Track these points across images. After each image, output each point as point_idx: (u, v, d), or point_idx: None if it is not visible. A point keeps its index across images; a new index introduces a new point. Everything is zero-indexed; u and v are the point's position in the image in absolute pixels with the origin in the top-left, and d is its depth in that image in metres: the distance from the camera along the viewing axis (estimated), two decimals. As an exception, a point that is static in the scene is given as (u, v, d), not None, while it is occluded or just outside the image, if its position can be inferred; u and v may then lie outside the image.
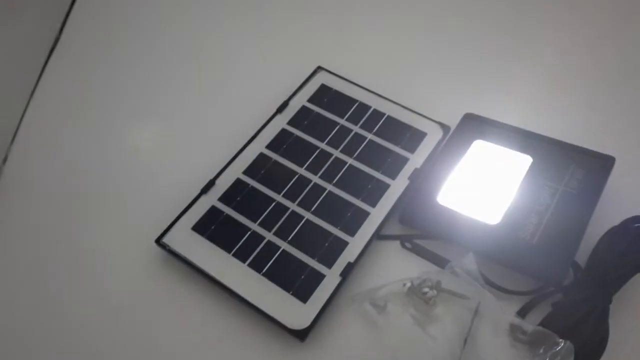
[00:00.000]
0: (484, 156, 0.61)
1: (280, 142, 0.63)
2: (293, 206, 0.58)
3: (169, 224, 0.57)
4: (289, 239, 0.56)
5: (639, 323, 0.51)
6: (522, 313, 0.52)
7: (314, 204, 0.58)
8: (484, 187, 0.58)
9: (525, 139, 0.61)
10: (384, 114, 0.65)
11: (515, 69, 0.71)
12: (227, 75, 0.73)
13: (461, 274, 0.52)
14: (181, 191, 0.60)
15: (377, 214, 0.58)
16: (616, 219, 0.54)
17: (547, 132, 0.61)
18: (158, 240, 0.56)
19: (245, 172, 0.61)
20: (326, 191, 0.59)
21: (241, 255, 0.55)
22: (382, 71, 0.72)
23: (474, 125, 0.63)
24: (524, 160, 0.59)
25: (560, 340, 0.46)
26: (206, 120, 0.69)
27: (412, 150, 0.62)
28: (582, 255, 0.53)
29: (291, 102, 0.66)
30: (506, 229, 0.54)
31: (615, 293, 0.50)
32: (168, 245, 0.56)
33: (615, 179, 0.58)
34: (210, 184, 0.60)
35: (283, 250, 0.55)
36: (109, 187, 0.63)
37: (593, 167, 0.58)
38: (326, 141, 0.63)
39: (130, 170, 0.65)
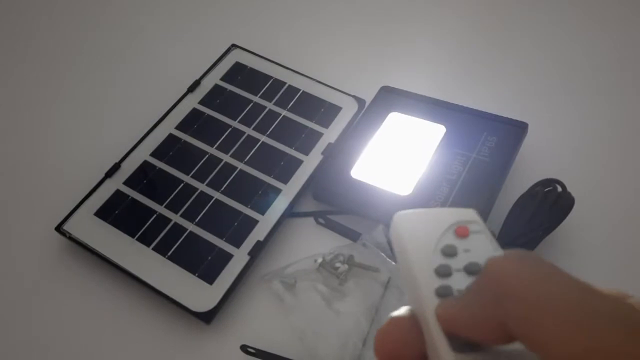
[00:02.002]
0: (399, 128, 0.59)
1: (191, 122, 0.61)
2: (202, 187, 0.56)
3: (70, 210, 0.55)
4: (197, 220, 0.54)
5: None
6: (435, 283, 0.51)
7: (224, 184, 0.56)
8: (398, 159, 0.57)
9: (439, 109, 0.60)
10: (299, 90, 0.63)
11: (429, 40, 0.70)
12: (135, 53, 0.70)
13: (371, 247, 0.51)
14: (84, 175, 0.57)
15: (289, 191, 0.56)
16: (531, 184, 0.54)
17: (463, 102, 0.60)
18: (58, 228, 0.54)
19: (153, 154, 0.58)
20: (237, 170, 0.57)
21: (146, 240, 0.53)
22: (298, 47, 0.70)
23: (390, 98, 0.62)
24: (438, 130, 0.58)
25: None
26: (112, 101, 0.66)
27: (326, 125, 0.60)
28: (497, 223, 0.53)
29: (203, 81, 0.64)
30: (417, 200, 0.53)
31: (525, 258, 0.50)
32: (69, 233, 0.53)
33: (530, 144, 0.58)
34: (116, 167, 0.57)
35: (190, 232, 0.53)
36: (3, 172, 0.60)
37: (506, 133, 0.57)
38: (239, 119, 0.61)
39: (28, 154, 0.62)
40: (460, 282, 0.23)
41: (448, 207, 0.26)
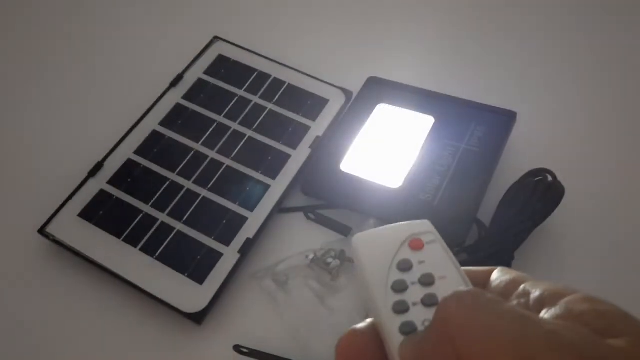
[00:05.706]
0: (387, 120, 0.59)
1: (175, 118, 0.59)
2: (188, 184, 0.55)
3: (53, 211, 0.53)
4: (184, 219, 0.53)
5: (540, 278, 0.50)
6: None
7: (211, 181, 0.55)
8: (387, 151, 0.56)
9: (427, 100, 0.59)
10: (284, 83, 0.62)
11: (416, 30, 0.69)
12: (115, 48, 0.68)
13: (362, 242, 0.50)
14: (66, 176, 0.56)
15: (277, 187, 0.55)
16: (521, 174, 0.53)
17: (451, 92, 0.60)
18: (41, 230, 0.52)
19: (137, 152, 0.57)
20: (224, 166, 0.56)
21: (132, 240, 0.52)
22: (282, 38, 0.68)
23: (378, 89, 0.61)
24: (426, 121, 0.58)
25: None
26: (92, 98, 0.64)
27: (313, 118, 0.59)
28: (488, 214, 0.52)
29: (186, 75, 0.62)
30: (408, 192, 0.53)
31: (517, 249, 0.50)
32: (52, 235, 0.52)
33: (520, 133, 0.58)
34: (98, 166, 0.56)
35: (178, 231, 0.52)
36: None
37: (494, 123, 0.57)
38: (224, 114, 0.60)
39: (6, 155, 0.60)
40: (416, 294, 0.24)
41: (404, 222, 0.26)
